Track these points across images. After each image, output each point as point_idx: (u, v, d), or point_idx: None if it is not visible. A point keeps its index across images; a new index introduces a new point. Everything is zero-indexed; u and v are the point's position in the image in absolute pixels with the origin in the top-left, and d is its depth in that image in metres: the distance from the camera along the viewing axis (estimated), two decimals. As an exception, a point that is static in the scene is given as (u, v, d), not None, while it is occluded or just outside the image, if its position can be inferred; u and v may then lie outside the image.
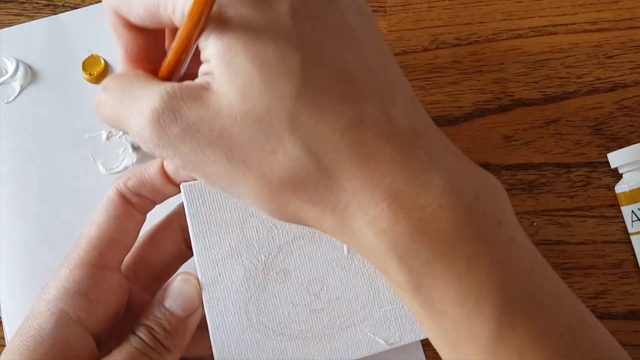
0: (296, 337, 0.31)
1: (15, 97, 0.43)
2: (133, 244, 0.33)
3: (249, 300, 0.30)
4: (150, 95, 0.24)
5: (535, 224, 0.41)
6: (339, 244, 0.31)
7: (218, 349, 0.30)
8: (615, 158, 0.40)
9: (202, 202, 0.30)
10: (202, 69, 0.24)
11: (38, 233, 0.40)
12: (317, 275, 0.31)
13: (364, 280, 0.31)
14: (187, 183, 0.30)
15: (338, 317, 0.31)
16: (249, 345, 0.30)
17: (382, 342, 0.31)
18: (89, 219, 0.31)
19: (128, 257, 0.34)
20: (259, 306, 0.30)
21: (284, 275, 0.31)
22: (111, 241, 0.31)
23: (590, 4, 0.44)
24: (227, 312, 0.30)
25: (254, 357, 0.30)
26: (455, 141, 0.43)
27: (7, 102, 0.43)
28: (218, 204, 0.30)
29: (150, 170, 0.31)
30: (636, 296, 0.40)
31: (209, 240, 0.30)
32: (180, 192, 0.31)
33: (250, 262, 0.31)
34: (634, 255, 0.40)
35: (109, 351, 0.30)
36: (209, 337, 0.30)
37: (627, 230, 0.40)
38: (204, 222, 0.30)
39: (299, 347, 0.30)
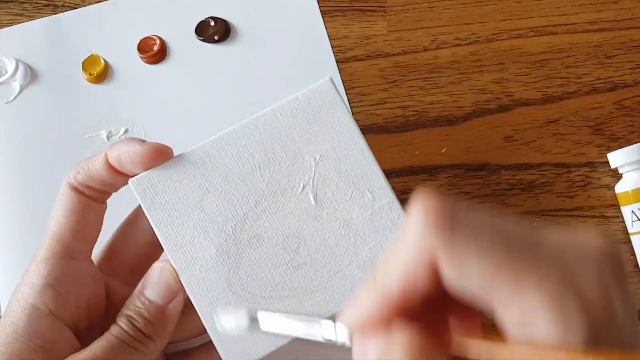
0: (287, 296, 0.30)
1: (15, 97, 0.43)
2: (98, 233, 0.33)
3: (228, 274, 0.30)
4: None
5: (535, 224, 0.41)
6: (304, 195, 0.31)
7: (212, 330, 0.30)
8: (615, 158, 0.40)
9: (155, 192, 0.30)
10: None
11: (38, 232, 0.40)
12: (290, 231, 0.31)
13: (340, 224, 0.31)
14: (134, 178, 0.30)
15: (324, 267, 0.31)
16: None
17: None
18: (50, 215, 0.31)
19: (102, 253, 0.34)
20: (240, 277, 0.30)
21: (257, 241, 0.31)
22: (73, 233, 0.31)
23: (590, 4, 0.44)
24: (210, 291, 0.30)
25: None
26: (456, 141, 0.44)
27: (7, 102, 0.43)
28: (171, 190, 0.30)
29: (96, 164, 0.31)
30: (636, 296, 0.40)
31: (171, 227, 0.30)
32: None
33: (219, 237, 0.30)
34: (634, 255, 0.40)
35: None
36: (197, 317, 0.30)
37: (627, 230, 0.40)
38: (161, 211, 0.30)
39: (292, 305, 0.30)
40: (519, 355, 0.18)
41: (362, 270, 0.31)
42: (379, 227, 0.31)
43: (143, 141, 0.31)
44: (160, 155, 0.30)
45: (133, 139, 0.31)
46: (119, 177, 0.31)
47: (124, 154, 0.30)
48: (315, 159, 0.31)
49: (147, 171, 0.30)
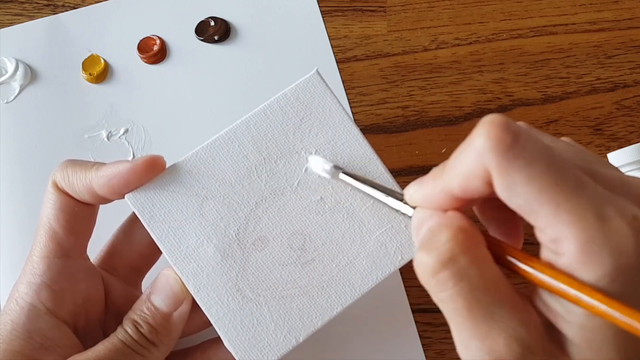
0: (298, 295, 0.30)
1: (15, 97, 0.43)
2: (92, 228, 0.33)
3: (237, 279, 0.30)
4: (505, 331, 0.20)
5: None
6: (304, 192, 0.31)
7: (228, 338, 0.30)
8: (615, 158, 0.40)
9: (152, 206, 0.30)
10: (566, 327, 0.20)
11: (38, 233, 0.40)
12: (294, 229, 0.30)
13: (344, 215, 0.31)
14: (130, 193, 0.30)
15: (332, 261, 0.30)
16: (257, 321, 0.30)
17: (385, 267, 0.30)
18: (41, 211, 0.31)
19: (103, 252, 0.34)
20: (249, 280, 0.30)
21: (262, 242, 0.30)
22: (66, 231, 0.31)
23: (590, 4, 0.44)
24: (220, 298, 0.30)
25: (267, 328, 0.30)
26: (456, 141, 0.44)
27: (7, 102, 0.43)
28: (169, 201, 0.30)
29: (79, 188, 0.30)
30: (636, 296, 0.40)
31: (173, 238, 0.30)
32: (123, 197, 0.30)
33: (223, 242, 0.30)
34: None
35: (95, 342, 0.30)
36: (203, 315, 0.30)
37: (627, 230, 0.40)
38: (162, 223, 0.30)
39: (304, 303, 0.30)
40: (537, 274, 0.20)
41: (371, 261, 0.30)
42: (382, 214, 0.31)
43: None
44: (154, 168, 0.30)
45: (117, 161, 0.30)
46: (103, 201, 0.31)
47: (116, 178, 0.29)
48: (312, 154, 0.31)
49: (143, 185, 0.30)
